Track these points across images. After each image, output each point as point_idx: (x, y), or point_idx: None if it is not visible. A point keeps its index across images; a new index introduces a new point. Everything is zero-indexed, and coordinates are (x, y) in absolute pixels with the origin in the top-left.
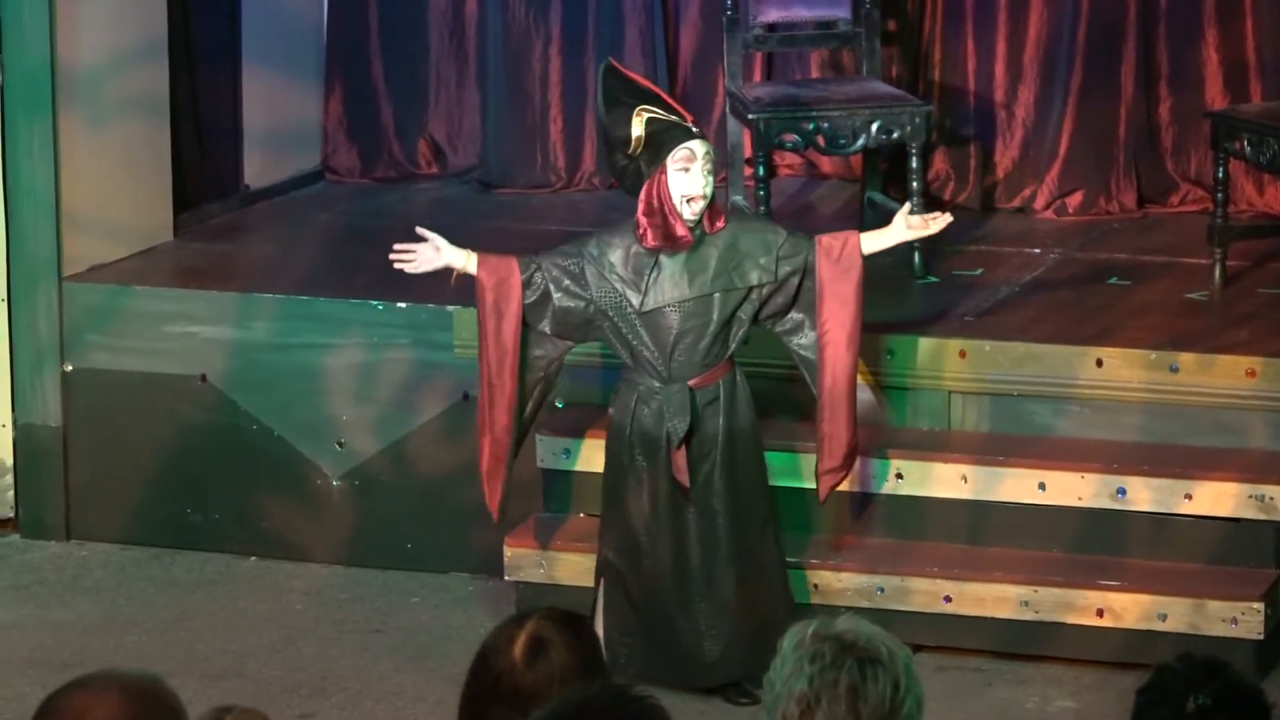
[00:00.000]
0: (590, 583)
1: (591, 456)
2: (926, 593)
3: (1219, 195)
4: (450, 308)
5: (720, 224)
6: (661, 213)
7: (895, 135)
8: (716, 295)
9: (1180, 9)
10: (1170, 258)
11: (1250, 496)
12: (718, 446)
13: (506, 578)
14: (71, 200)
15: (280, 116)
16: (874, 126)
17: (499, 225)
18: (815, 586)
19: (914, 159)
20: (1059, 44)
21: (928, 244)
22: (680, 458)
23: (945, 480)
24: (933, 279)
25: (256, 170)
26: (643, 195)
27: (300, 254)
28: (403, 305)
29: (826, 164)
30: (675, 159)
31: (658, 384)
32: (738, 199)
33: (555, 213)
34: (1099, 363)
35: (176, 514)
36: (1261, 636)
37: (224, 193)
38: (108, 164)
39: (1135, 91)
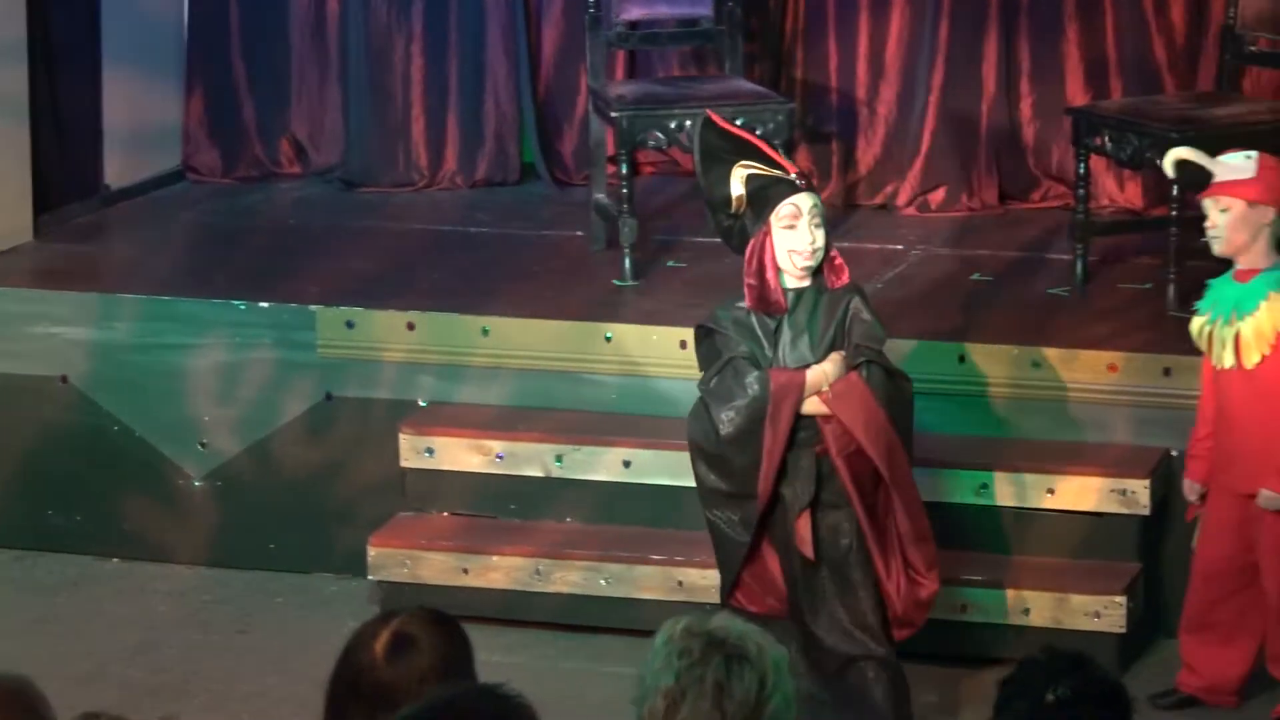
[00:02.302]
0: (452, 581)
1: (455, 455)
2: None
3: (1080, 191)
4: (313, 307)
5: (845, 278)
6: (760, 275)
7: (758, 133)
8: None
9: (1041, 6)
10: (1032, 253)
11: (1112, 491)
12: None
13: (370, 577)
14: None
15: (141, 116)
16: (737, 124)
17: (362, 224)
18: (680, 584)
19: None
20: (920, 41)
21: None
22: (804, 526)
23: None
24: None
25: (117, 170)
26: (747, 255)
27: (162, 254)
28: (265, 305)
29: (690, 162)
30: (780, 216)
31: None
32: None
33: (418, 211)
34: (961, 358)
35: (38, 516)
36: (1124, 630)
37: (85, 193)
38: None
39: (997, 88)
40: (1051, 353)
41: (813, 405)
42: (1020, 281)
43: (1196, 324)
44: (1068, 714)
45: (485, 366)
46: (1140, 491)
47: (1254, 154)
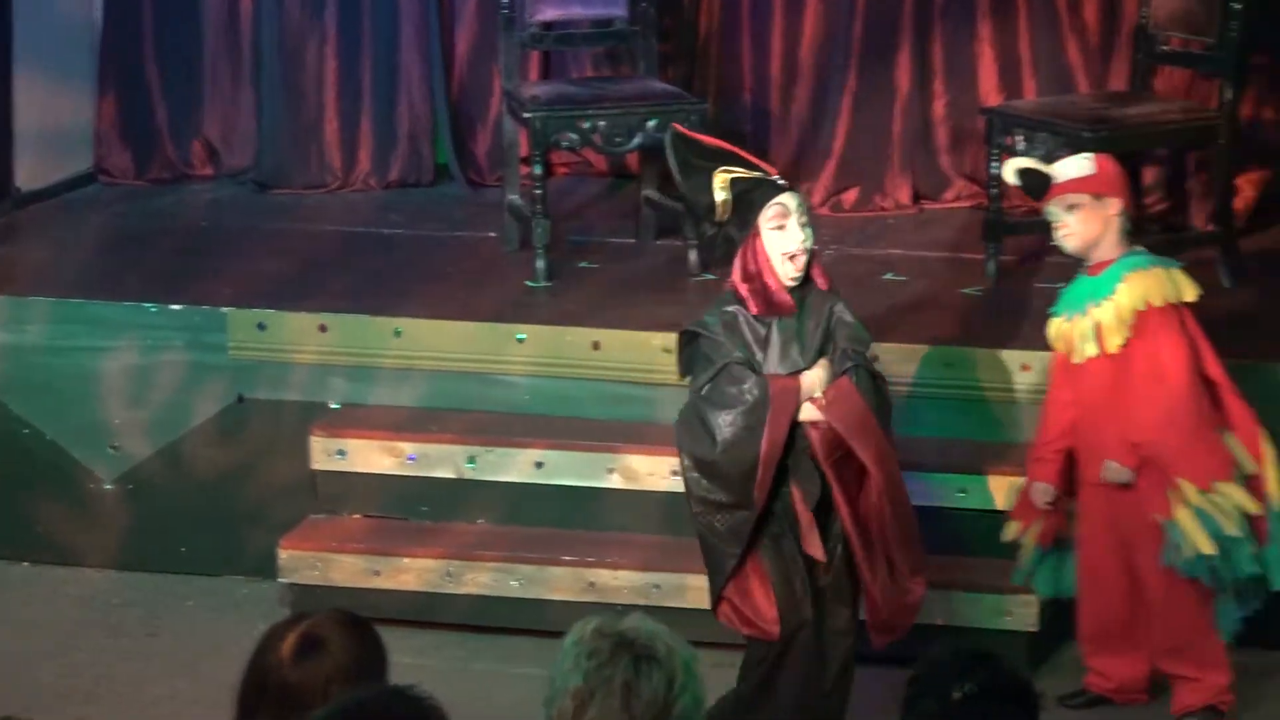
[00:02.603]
0: (363, 583)
1: (366, 457)
2: (702, 589)
3: (993, 191)
4: (225, 309)
5: (827, 281)
6: (760, 278)
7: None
8: None
9: (955, 7)
10: (946, 253)
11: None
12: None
13: (281, 580)
14: None
15: (52, 118)
16: (650, 125)
17: (275, 226)
18: (592, 584)
19: None
20: (835, 42)
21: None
22: (812, 527)
23: None
24: (709, 275)
25: (28, 172)
26: (738, 263)
27: (73, 256)
28: (177, 307)
29: (603, 162)
30: (768, 217)
31: None
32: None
33: (331, 213)
34: (874, 358)
35: None
36: (1036, 629)
37: None
38: None
39: (910, 88)
40: (965, 352)
41: (808, 412)
42: (934, 281)
43: (1054, 325)
44: (975, 711)
45: (397, 368)
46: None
47: (1090, 155)
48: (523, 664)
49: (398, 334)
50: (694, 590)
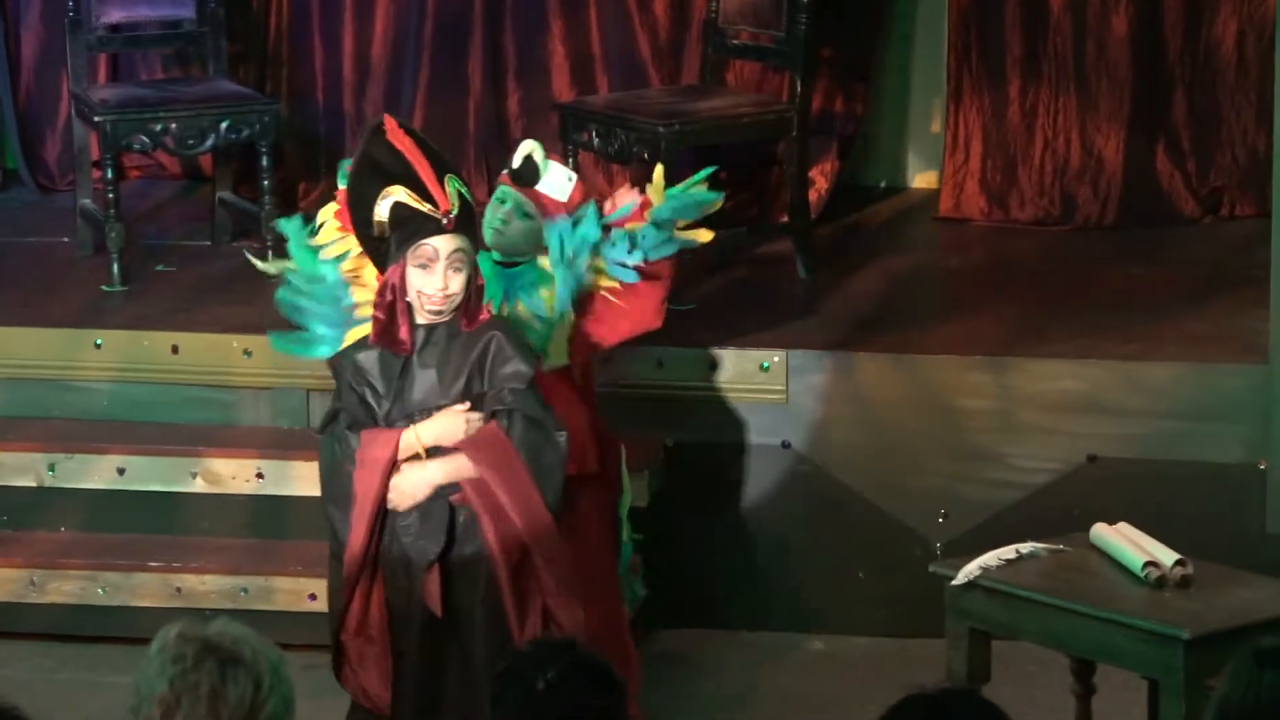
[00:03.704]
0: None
1: None
2: (290, 591)
3: None
4: None
5: (483, 317)
6: (390, 310)
7: (244, 134)
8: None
9: (525, 3)
10: None
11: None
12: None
13: None
14: None
15: None
16: (222, 126)
17: None
18: (179, 590)
19: (264, 158)
20: (406, 40)
21: None
22: (434, 581)
23: (306, 478)
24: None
25: None
26: (379, 286)
27: None
28: None
29: (177, 165)
30: (416, 254)
31: None
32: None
33: None
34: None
35: None
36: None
37: None
38: None
39: (484, 85)
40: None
41: (453, 467)
42: None
43: None
44: (560, 698)
45: None
46: (638, 484)
47: (574, 178)
48: (109, 672)
49: None
50: (282, 593)
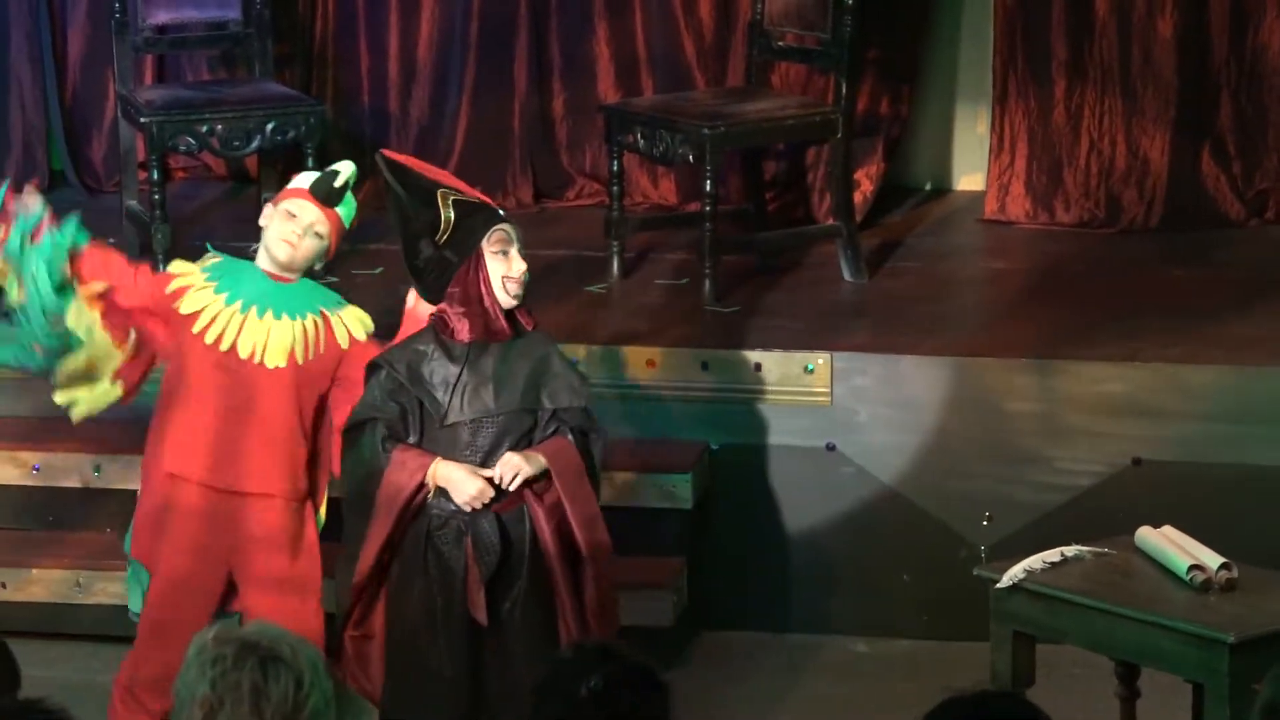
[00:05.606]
0: None
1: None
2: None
3: (614, 188)
4: None
5: (533, 322)
6: (480, 302)
7: (290, 136)
8: (523, 413)
9: (570, 4)
10: (569, 251)
11: (654, 486)
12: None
13: None
14: None
15: None
16: (268, 128)
17: None
18: None
19: (310, 159)
20: (451, 41)
21: None
22: (479, 590)
23: None
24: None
25: None
26: (454, 287)
27: None
28: None
29: (222, 166)
30: (492, 241)
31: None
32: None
33: None
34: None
35: None
36: (671, 624)
37: None
38: None
39: (529, 86)
40: (591, 349)
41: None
42: (558, 279)
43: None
44: (606, 705)
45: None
46: (682, 486)
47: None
48: None
49: None
50: None
